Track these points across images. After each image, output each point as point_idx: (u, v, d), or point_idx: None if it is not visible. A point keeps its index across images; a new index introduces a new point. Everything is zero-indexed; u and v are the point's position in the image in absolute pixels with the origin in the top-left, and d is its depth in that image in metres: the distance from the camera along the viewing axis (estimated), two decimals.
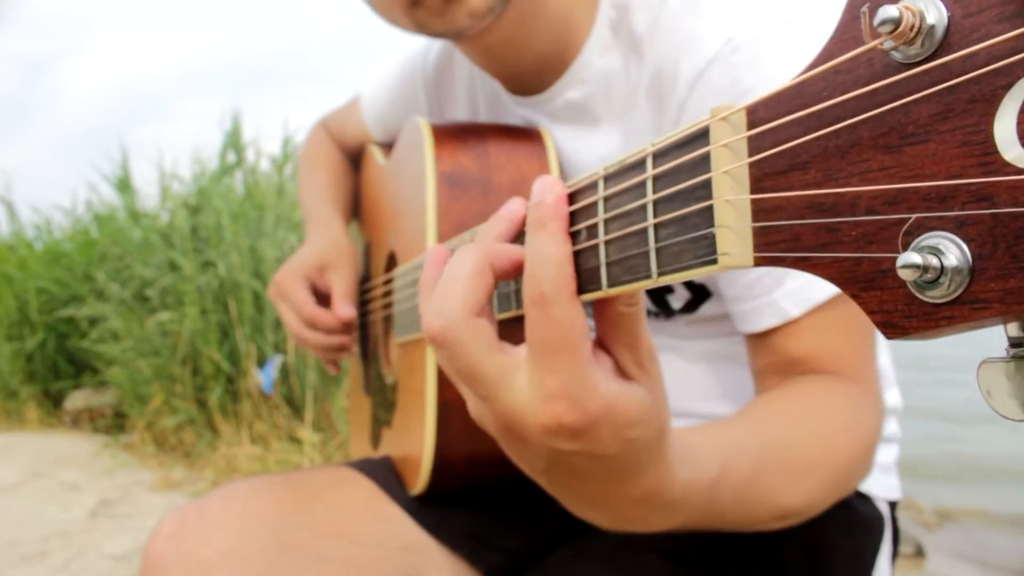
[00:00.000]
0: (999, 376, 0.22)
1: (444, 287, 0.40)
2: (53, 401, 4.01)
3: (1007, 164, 0.19)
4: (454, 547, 0.71)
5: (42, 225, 4.62)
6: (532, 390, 0.38)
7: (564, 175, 0.76)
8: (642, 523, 0.45)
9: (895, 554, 0.80)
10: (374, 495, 0.73)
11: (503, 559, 0.73)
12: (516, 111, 0.81)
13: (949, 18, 0.21)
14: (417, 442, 0.71)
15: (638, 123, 0.70)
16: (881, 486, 0.77)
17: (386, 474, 0.76)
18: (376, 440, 0.92)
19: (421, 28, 0.72)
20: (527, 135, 0.76)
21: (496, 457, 0.72)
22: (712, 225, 0.28)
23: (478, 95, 0.87)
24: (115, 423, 3.61)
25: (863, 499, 0.76)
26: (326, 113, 1.15)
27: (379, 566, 0.67)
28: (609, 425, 0.38)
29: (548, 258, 0.38)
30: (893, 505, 0.80)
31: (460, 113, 0.91)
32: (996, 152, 0.19)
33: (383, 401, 0.90)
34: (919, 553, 2.22)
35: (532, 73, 0.77)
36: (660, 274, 0.33)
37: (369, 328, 0.99)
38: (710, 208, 0.28)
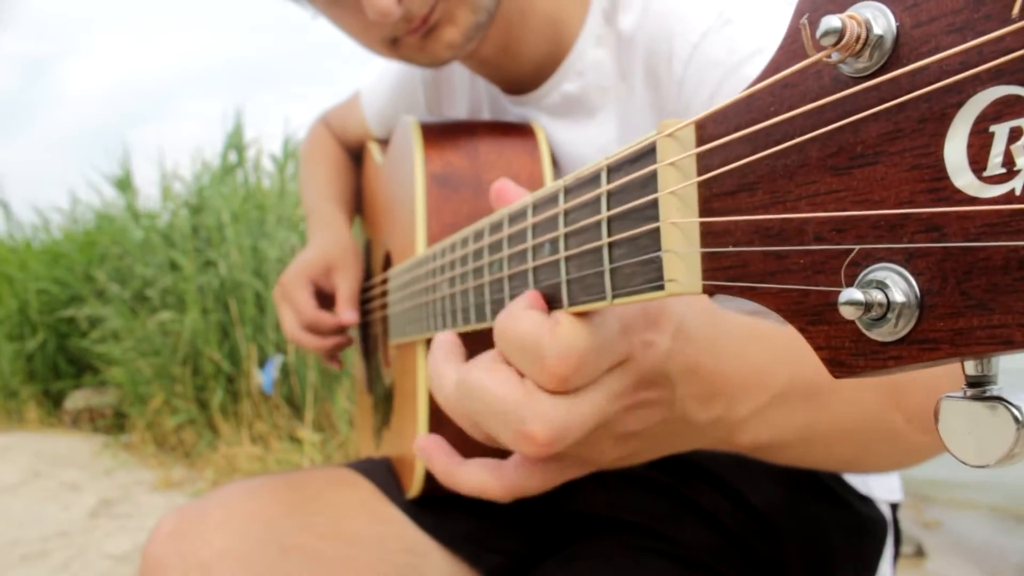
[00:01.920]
0: (957, 415, 0.20)
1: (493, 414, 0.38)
2: (53, 401, 4.01)
3: (957, 191, 0.17)
4: (454, 548, 0.71)
5: (42, 225, 4.63)
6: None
7: (561, 170, 0.75)
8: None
9: (896, 555, 0.79)
10: (373, 496, 0.73)
11: (503, 560, 0.73)
12: (513, 111, 0.81)
13: (898, 28, 0.19)
14: (411, 446, 0.70)
15: (636, 109, 0.69)
16: (883, 487, 0.77)
17: (385, 475, 0.76)
18: (378, 439, 0.93)
19: (408, 61, 0.73)
20: (519, 131, 0.75)
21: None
22: (660, 248, 0.26)
23: (481, 94, 0.87)
24: (115, 423, 3.61)
25: (865, 501, 0.76)
26: (327, 109, 1.14)
27: (378, 567, 0.66)
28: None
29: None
30: (895, 507, 0.79)
31: (460, 108, 0.91)
32: (946, 177, 0.18)
33: (382, 401, 0.91)
34: (919, 553, 2.21)
35: (528, 74, 0.76)
36: (614, 296, 0.31)
37: (370, 327, 0.99)
38: (657, 230, 0.26)
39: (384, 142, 1.02)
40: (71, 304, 3.87)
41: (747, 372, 0.43)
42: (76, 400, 3.79)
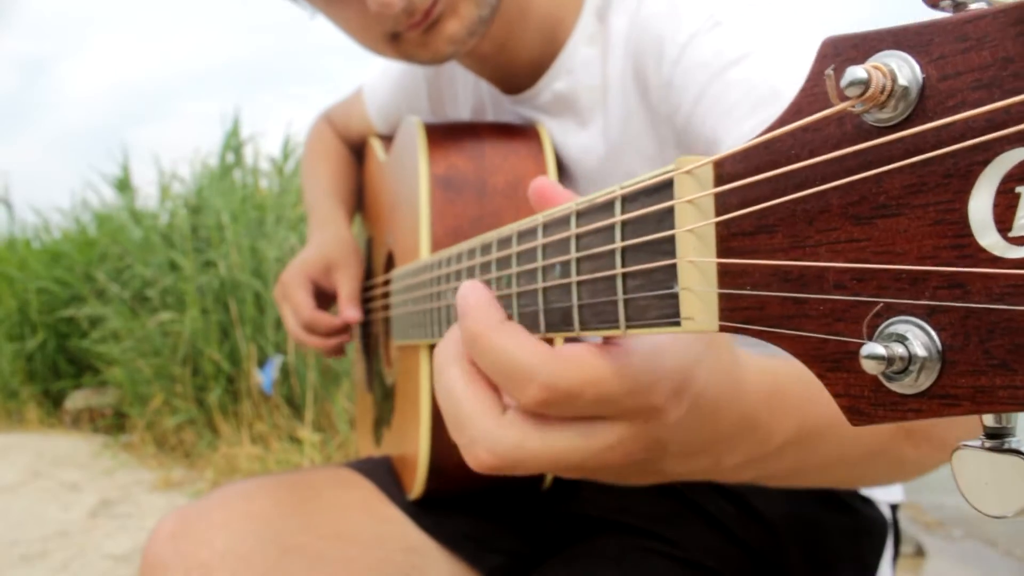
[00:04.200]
0: (975, 465, 0.20)
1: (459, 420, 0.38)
2: (53, 401, 4.01)
3: (981, 250, 0.17)
4: (454, 548, 0.71)
5: (42, 225, 4.63)
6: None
7: (559, 169, 0.75)
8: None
9: (896, 555, 0.80)
10: (374, 496, 0.73)
11: (503, 560, 0.73)
12: (511, 109, 0.81)
13: (924, 79, 0.19)
14: (413, 447, 0.71)
15: (626, 109, 0.69)
16: (883, 489, 0.77)
17: (386, 475, 0.76)
18: (378, 438, 0.93)
19: (408, 59, 0.72)
20: (524, 134, 0.75)
21: None
22: (676, 285, 0.26)
23: (484, 92, 0.87)
24: (115, 423, 3.61)
25: (866, 502, 0.76)
26: (329, 106, 1.14)
27: (379, 567, 0.67)
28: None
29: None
30: (895, 508, 0.79)
31: (463, 106, 0.91)
32: (970, 235, 0.18)
33: (383, 401, 0.91)
34: (919, 553, 2.21)
35: (524, 73, 0.77)
36: (628, 327, 0.31)
37: (371, 326, 0.99)
38: (674, 267, 0.26)
39: (386, 138, 1.02)
40: (71, 304, 3.87)
41: (749, 432, 0.41)
42: (76, 400, 3.79)
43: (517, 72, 0.77)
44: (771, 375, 0.42)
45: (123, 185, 3.94)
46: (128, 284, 3.49)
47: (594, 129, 0.72)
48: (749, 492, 0.71)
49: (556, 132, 0.75)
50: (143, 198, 3.96)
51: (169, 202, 3.75)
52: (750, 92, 0.56)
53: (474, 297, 0.39)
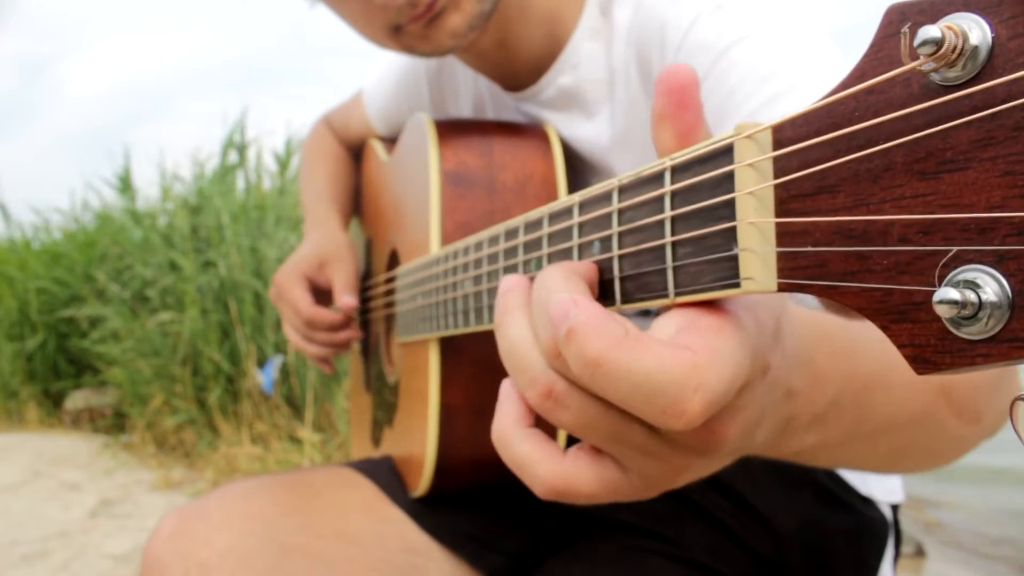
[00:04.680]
0: None
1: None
2: (53, 401, 4.01)
3: None
4: (455, 549, 0.71)
5: (42, 225, 4.62)
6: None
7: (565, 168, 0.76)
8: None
9: (897, 555, 0.80)
10: (375, 496, 0.73)
11: (504, 561, 0.73)
12: (513, 106, 0.82)
13: (993, 39, 0.20)
14: (419, 444, 0.70)
15: (632, 101, 0.69)
16: (884, 489, 0.77)
17: (387, 475, 0.76)
18: (377, 439, 0.92)
19: (409, 51, 0.73)
20: (532, 132, 0.75)
21: (499, 459, 0.71)
22: (734, 247, 0.27)
23: (483, 91, 0.87)
24: (115, 423, 3.60)
25: (866, 503, 0.76)
26: (329, 109, 1.14)
27: (379, 567, 0.67)
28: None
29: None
30: (895, 508, 0.79)
31: (463, 106, 0.91)
32: None
33: (384, 401, 0.90)
34: (919, 553, 2.22)
35: (525, 70, 0.77)
36: (677, 294, 0.32)
37: (371, 325, 0.99)
38: (733, 229, 0.27)
39: (387, 140, 1.03)
40: (71, 304, 3.86)
41: (811, 381, 0.39)
42: (76, 400, 3.78)
43: (518, 69, 0.77)
44: (819, 323, 0.41)
45: (124, 185, 3.94)
46: (128, 284, 3.49)
47: (600, 120, 0.73)
48: (749, 491, 0.71)
49: (562, 126, 0.76)
50: (143, 198, 3.97)
51: (169, 202, 3.74)
52: (755, 69, 0.57)
53: (584, 312, 0.29)
